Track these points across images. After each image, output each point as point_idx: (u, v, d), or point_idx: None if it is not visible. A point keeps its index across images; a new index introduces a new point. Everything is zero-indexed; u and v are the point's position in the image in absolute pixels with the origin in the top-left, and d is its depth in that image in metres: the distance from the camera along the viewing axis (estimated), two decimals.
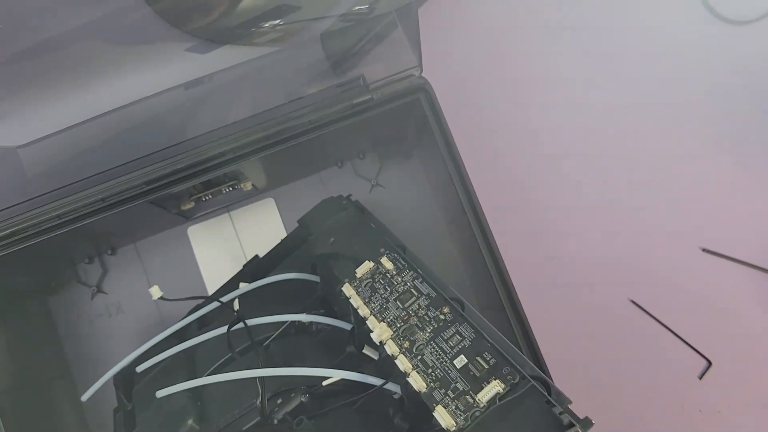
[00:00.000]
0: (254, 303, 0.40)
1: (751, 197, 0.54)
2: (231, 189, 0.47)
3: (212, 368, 0.39)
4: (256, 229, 0.52)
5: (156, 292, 0.37)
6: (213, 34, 0.42)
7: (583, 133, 0.55)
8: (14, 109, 0.40)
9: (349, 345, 0.37)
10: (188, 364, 0.40)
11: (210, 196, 0.47)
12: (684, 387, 0.51)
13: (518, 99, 0.56)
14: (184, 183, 0.43)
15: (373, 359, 0.36)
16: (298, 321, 0.39)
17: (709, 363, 0.51)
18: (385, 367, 0.34)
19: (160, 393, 0.35)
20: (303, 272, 0.41)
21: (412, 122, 0.48)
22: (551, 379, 0.39)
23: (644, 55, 0.57)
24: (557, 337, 0.48)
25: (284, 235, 0.52)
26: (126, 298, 0.51)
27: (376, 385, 0.33)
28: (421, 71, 0.44)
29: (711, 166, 0.54)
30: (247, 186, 0.48)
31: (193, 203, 0.47)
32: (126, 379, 0.42)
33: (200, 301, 0.42)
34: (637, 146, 0.55)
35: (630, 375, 0.51)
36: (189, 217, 0.51)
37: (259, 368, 0.34)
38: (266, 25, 0.42)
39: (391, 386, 0.33)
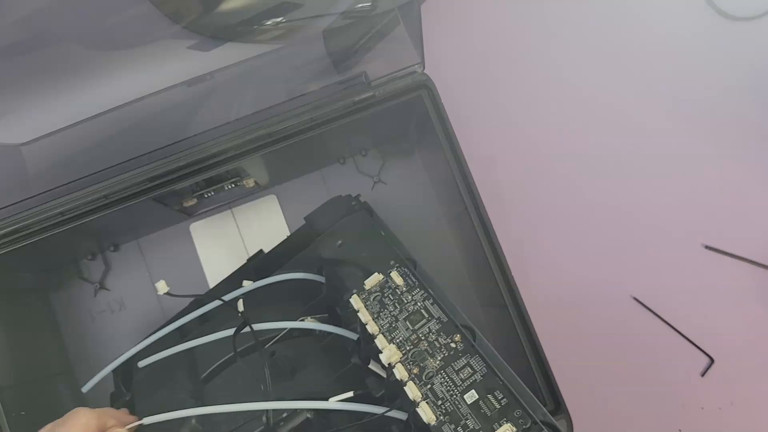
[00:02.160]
0: (258, 300, 0.40)
1: (754, 195, 0.54)
2: (233, 186, 0.47)
3: (213, 366, 0.39)
4: (259, 225, 0.52)
5: (162, 287, 0.37)
6: (215, 32, 0.41)
7: (585, 132, 0.55)
8: (17, 106, 0.40)
9: (354, 356, 0.37)
10: (189, 360, 0.40)
11: (212, 193, 0.47)
12: (686, 384, 0.51)
13: (520, 98, 0.56)
14: (186, 180, 0.43)
15: (381, 375, 0.36)
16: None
17: (712, 360, 0.51)
18: (393, 389, 0.34)
19: (148, 420, 0.35)
20: (309, 272, 0.41)
21: (414, 119, 0.48)
22: (557, 386, 0.40)
23: (646, 54, 0.56)
24: (559, 334, 0.48)
25: (287, 231, 0.52)
26: (128, 295, 0.51)
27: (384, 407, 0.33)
28: (424, 68, 0.44)
29: (713, 164, 0.54)
30: (250, 183, 0.48)
31: (196, 200, 0.47)
32: (125, 370, 0.42)
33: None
34: (638, 144, 0.55)
35: (631, 372, 0.51)
36: (191, 214, 0.51)
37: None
38: (269, 22, 0.42)
39: (394, 413, 0.33)
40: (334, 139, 0.47)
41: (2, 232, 0.42)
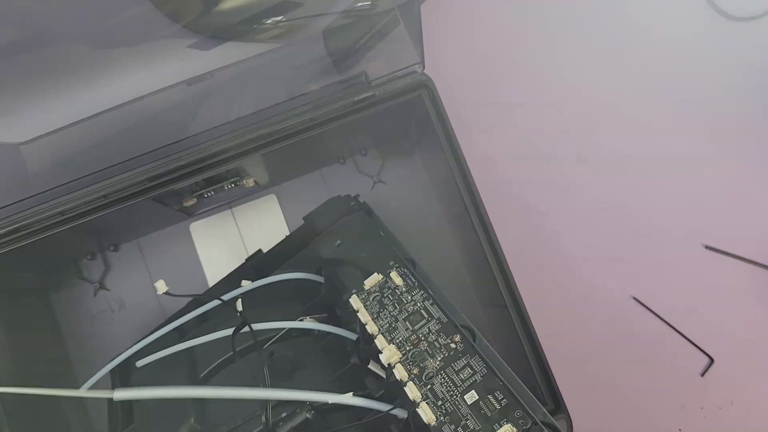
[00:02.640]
0: (256, 300, 0.40)
1: (754, 195, 0.54)
2: (233, 185, 0.47)
3: (212, 366, 0.39)
4: (258, 225, 0.52)
5: (162, 286, 0.37)
6: (215, 31, 0.41)
7: (585, 132, 0.55)
8: (16, 105, 0.40)
9: (354, 356, 0.37)
10: (188, 359, 0.40)
11: (212, 193, 0.47)
12: (686, 384, 0.51)
13: (520, 98, 0.56)
14: (186, 180, 0.43)
15: (380, 375, 0.36)
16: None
17: (711, 360, 0.51)
18: (393, 390, 0.33)
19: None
20: (307, 271, 0.41)
21: (414, 119, 0.48)
22: (557, 386, 0.40)
23: (646, 54, 0.56)
24: (559, 334, 0.48)
25: (286, 231, 0.52)
26: (128, 295, 0.51)
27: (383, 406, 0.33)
28: (424, 68, 0.44)
29: (713, 164, 0.54)
30: (249, 182, 0.48)
31: (196, 200, 0.47)
32: (123, 370, 0.42)
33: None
34: (638, 144, 0.55)
35: (631, 372, 0.51)
36: (191, 214, 0.51)
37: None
38: (269, 21, 0.42)
39: (397, 411, 0.33)
40: (334, 139, 0.47)
41: (2, 231, 0.42)
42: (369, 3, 0.42)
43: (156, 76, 0.41)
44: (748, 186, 0.54)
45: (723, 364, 0.51)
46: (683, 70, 0.56)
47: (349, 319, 0.38)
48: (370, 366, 0.36)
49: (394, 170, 0.53)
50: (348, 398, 0.33)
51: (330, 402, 0.34)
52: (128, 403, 0.40)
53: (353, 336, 0.37)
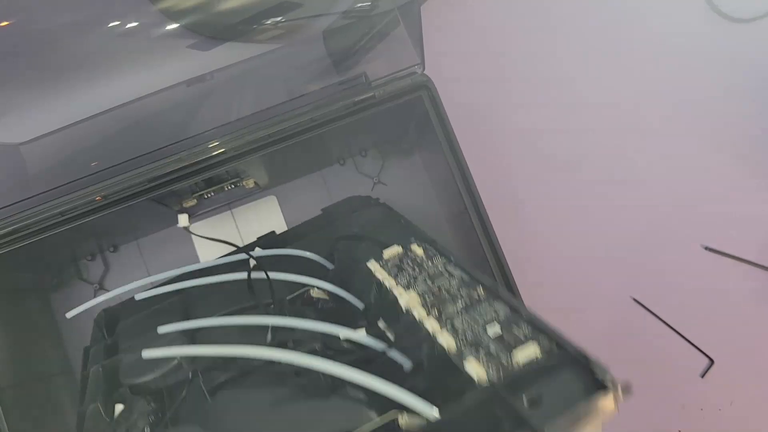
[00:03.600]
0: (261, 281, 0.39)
1: (754, 196, 0.54)
2: (233, 186, 0.47)
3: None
4: (258, 226, 0.52)
5: (184, 220, 0.36)
6: (215, 32, 0.41)
7: (585, 132, 0.55)
8: (16, 106, 0.40)
9: (362, 322, 0.35)
10: (187, 311, 0.40)
11: (212, 194, 0.47)
12: (686, 385, 0.51)
13: (520, 98, 0.56)
14: (186, 180, 0.43)
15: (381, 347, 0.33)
16: (306, 294, 0.39)
17: (711, 361, 0.51)
18: (406, 338, 0.31)
19: (162, 329, 0.34)
20: (318, 254, 0.40)
21: (414, 120, 0.48)
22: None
23: (646, 55, 0.56)
24: None
25: None
26: (128, 296, 0.51)
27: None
28: (424, 69, 0.44)
29: (714, 165, 0.54)
30: (249, 183, 0.48)
31: (195, 201, 0.47)
32: (110, 317, 0.41)
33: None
34: (639, 145, 0.55)
35: (631, 372, 0.51)
36: (191, 215, 0.51)
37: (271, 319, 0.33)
38: (268, 22, 0.42)
39: (398, 356, 0.31)
40: (334, 140, 0.47)
41: (2, 232, 0.42)
42: (369, 3, 0.42)
43: (156, 76, 0.41)
44: (748, 187, 0.54)
45: (723, 365, 0.51)
46: (683, 70, 0.56)
47: (360, 296, 0.36)
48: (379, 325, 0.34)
49: (394, 171, 0.53)
50: (353, 334, 0.31)
51: (342, 337, 0.32)
52: (112, 344, 0.40)
53: (360, 305, 0.36)
